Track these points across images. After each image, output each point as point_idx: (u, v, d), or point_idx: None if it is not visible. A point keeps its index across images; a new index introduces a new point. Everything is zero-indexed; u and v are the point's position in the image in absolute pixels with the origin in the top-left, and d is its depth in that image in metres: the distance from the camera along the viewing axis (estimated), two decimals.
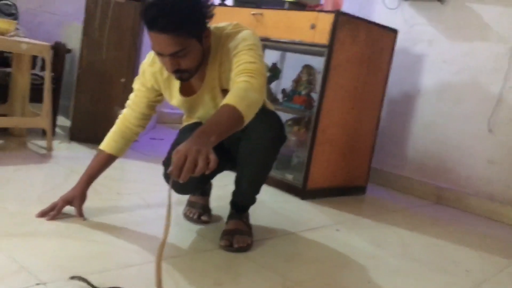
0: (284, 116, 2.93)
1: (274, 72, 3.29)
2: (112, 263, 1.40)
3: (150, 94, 1.71)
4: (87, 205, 1.75)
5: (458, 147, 3.08)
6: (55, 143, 2.86)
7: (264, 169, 1.69)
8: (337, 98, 2.61)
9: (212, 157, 1.18)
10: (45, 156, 2.57)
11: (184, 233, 1.78)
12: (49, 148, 2.67)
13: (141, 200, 2.08)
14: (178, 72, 1.49)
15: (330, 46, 2.48)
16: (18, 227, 1.55)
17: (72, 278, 1.24)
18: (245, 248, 1.68)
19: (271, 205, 2.35)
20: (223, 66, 1.55)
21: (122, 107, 3.16)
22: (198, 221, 1.89)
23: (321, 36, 2.51)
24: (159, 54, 1.46)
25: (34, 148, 2.70)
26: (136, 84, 1.73)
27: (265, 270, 1.56)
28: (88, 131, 3.04)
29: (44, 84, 2.67)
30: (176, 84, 1.64)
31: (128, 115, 1.74)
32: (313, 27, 2.54)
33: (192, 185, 1.66)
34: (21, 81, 2.83)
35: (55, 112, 3.07)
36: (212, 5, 1.50)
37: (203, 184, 1.88)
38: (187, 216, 1.91)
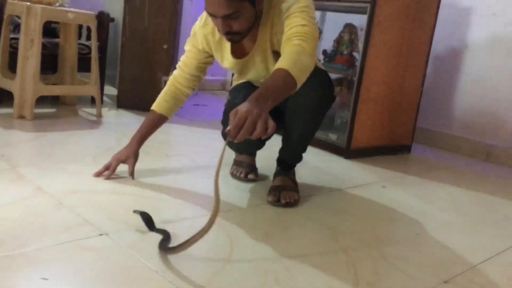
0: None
1: None
2: (167, 216, 1.47)
3: (201, 55, 1.73)
4: (138, 166, 1.82)
5: (509, 102, 2.97)
6: (104, 111, 2.96)
7: (312, 126, 1.70)
8: (380, 55, 2.56)
9: (271, 123, 1.19)
10: (96, 122, 2.67)
11: (232, 190, 1.83)
12: (99, 115, 2.77)
13: (189, 161, 2.14)
14: (230, 34, 1.50)
15: (373, 1, 2.41)
16: (77, 185, 1.64)
17: (135, 211, 1.33)
18: (292, 204, 1.71)
19: (316, 164, 2.36)
20: (274, 27, 1.56)
21: (166, 73, 3.23)
22: (245, 179, 1.93)
23: None
24: (212, 15, 1.47)
25: (85, 115, 2.80)
26: (187, 46, 1.75)
27: (313, 223, 1.59)
28: (134, 98, 3.13)
29: (91, 53, 2.75)
30: (227, 46, 1.66)
31: (178, 76, 1.77)
32: None
33: (249, 146, 1.70)
34: (69, 51, 2.92)
35: (102, 81, 3.16)
36: None
37: (259, 147, 1.92)
38: (234, 175, 1.96)
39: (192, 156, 2.21)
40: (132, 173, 1.77)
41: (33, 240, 1.20)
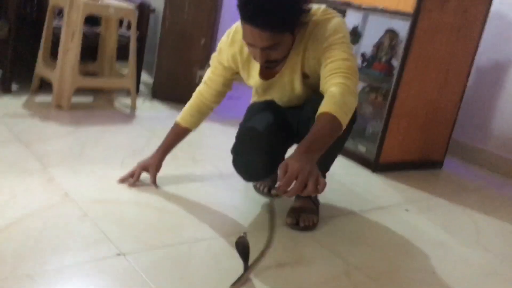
0: (362, 82, 2.85)
1: (354, 37, 3.17)
2: (184, 237, 1.50)
3: (227, 72, 1.73)
4: (164, 171, 1.87)
5: None
6: (139, 102, 3.03)
7: (334, 150, 1.68)
8: (419, 69, 2.49)
9: (322, 180, 1.18)
10: (129, 116, 2.73)
11: (253, 206, 1.85)
12: (133, 107, 2.84)
13: (214, 167, 2.17)
14: (267, 62, 1.50)
15: (415, 15, 2.34)
16: (103, 192, 1.70)
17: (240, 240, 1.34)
18: (310, 227, 1.72)
19: (340, 179, 2.34)
20: (307, 52, 1.54)
21: (202, 68, 3.25)
22: (268, 194, 1.94)
23: (406, 3, 2.37)
24: (251, 45, 1.46)
25: (120, 107, 2.87)
26: (213, 62, 1.75)
27: (328, 252, 1.59)
28: (169, 90, 3.18)
29: (130, 45, 2.79)
30: (256, 66, 1.65)
31: (204, 91, 1.79)
32: None
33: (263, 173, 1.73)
34: (109, 42, 2.98)
35: (139, 71, 3.22)
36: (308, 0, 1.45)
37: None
38: (257, 189, 1.98)
39: (217, 162, 2.23)
40: (154, 182, 1.81)
41: (54, 257, 1.26)
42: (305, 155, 1.23)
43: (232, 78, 1.77)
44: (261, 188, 1.97)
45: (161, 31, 3.13)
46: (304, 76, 1.62)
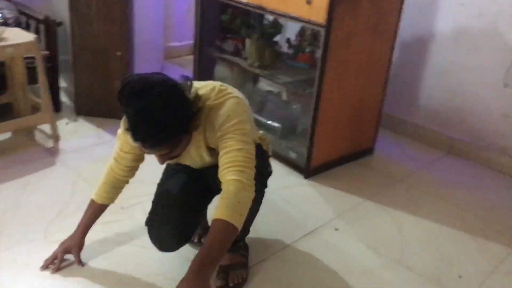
0: (288, 78, 2.77)
1: (276, 28, 3.09)
2: None
3: (135, 150, 1.66)
4: (91, 236, 1.84)
5: (472, 98, 2.94)
6: (62, 123, 2.92)
7: (248, 218, 1.69)
8: (337, 76, 2.47)
9: None
10: (52, 152, 2.62)
11: (181, 264, 1.86)
12: (56, 139, 2.72)
13: (143, 215, 2.12)
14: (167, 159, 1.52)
15: (328, 26, 2.28)
16: None
17: None
18: (240, 284, 1.77)
19: (273, 197, 2.34)
20: (207, 133, 1.53)
21: (122, 80, 3.10)
22: (199, 243, 1.97)
23: (318, 13, 2.29)
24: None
25: (41, 140, 2.74)
26: (120, 139, 1.68)
27: None
28: (91, 106, 3.07)
29: (39, 77, 2.62)
30: None
31: (115, 167, 1.72)
32: (309, 2, 2.32)
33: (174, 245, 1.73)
34: (16, 69, 2.78)
35: (56, 90, 3.06)
36: (197, 98, 1.42)
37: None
38: None
39: (146, 204, 2.16)
40: (79, 262, 1.80)
41: None
42: (198, 275, 1.28)
43: (142, 155, 1.71)
44: (192, 238, 1.98)
45: (73, 48, 2.95)
46: (210, 149, 1.59)
